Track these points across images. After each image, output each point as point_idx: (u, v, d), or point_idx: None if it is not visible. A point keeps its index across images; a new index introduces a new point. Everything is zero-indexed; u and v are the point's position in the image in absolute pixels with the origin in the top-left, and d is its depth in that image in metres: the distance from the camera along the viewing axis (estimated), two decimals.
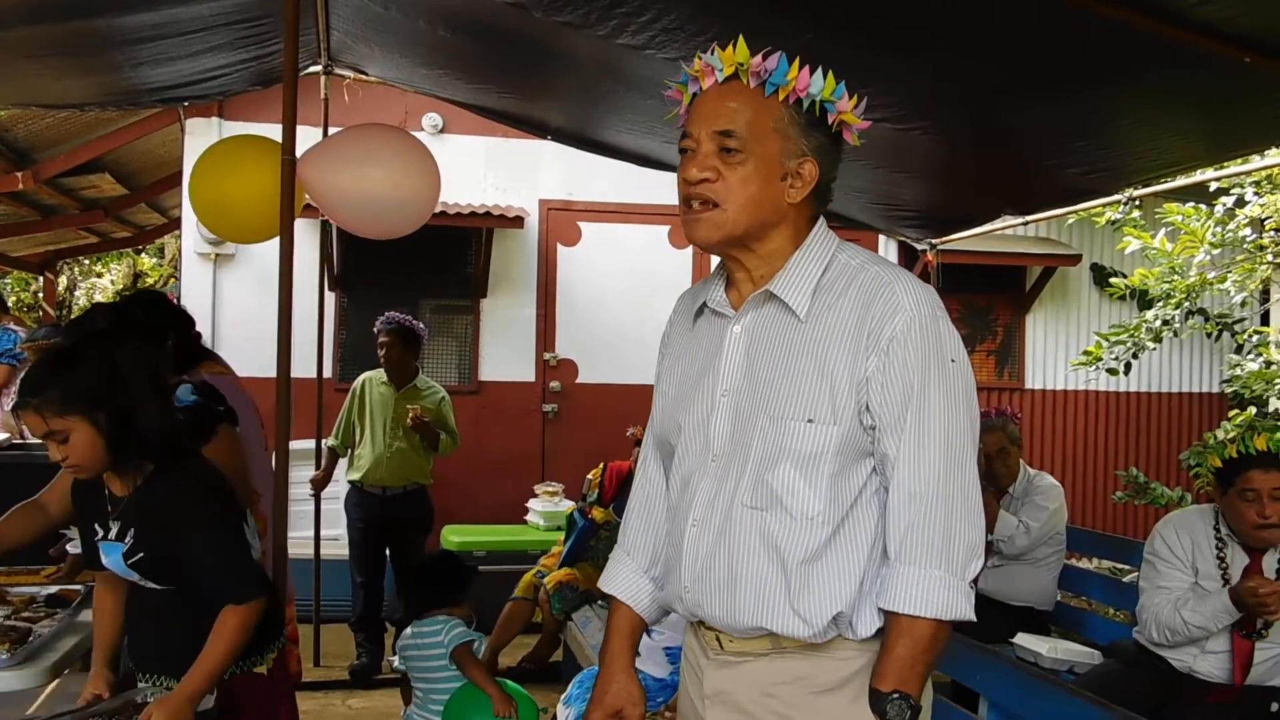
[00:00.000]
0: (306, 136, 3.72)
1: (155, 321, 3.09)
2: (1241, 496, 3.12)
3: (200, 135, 6.60)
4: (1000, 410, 4.57)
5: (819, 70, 1.61)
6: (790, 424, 1.58)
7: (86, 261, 15.34)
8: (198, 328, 3.26)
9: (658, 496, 1.85)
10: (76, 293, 15.74)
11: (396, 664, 3.51)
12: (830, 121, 1.63)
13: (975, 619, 1.60)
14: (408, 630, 3.55)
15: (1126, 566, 5.54)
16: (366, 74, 4.98)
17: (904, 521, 1.57)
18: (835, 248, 1.68)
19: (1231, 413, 6.50)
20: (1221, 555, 3.22)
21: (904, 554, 1.57)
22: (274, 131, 3.10)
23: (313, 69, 4.80)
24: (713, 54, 1.63)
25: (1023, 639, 3.85)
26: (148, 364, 2.26)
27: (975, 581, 1.60)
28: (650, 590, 1.84)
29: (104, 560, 2.35)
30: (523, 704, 3.49)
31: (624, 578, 1.86)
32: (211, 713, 2.26)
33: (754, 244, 1.66)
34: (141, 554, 2.26)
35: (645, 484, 1.88)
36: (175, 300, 3.83)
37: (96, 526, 2.34)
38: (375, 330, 5.41)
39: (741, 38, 1.62)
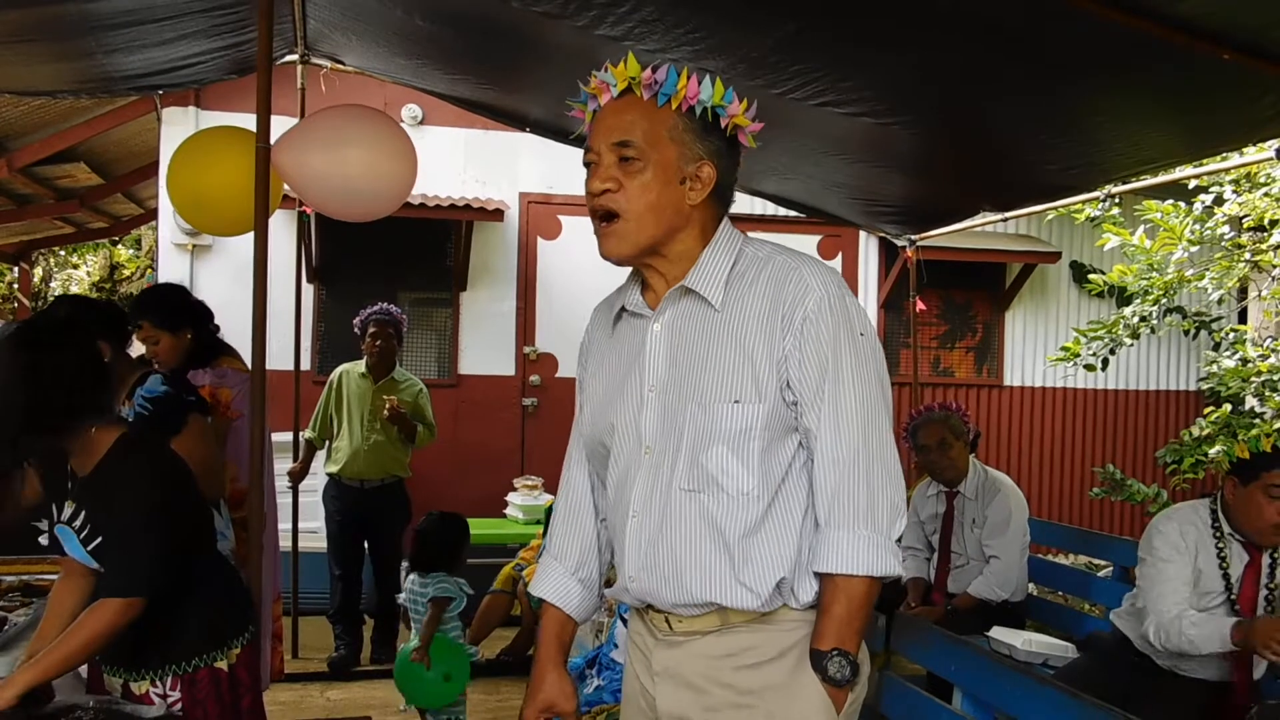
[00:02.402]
0: (283, 127, 3.68)
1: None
2: (1266, 492, 3.10)
3: (177, 125, 6.53)
4: (945, 405, 4.54)
5: (707, 78, 1.71)
6: (718, 406, 1.68)
7: (62, 252, 15.19)
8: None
9: (580, 500, 1.94)
10: (52, 284, 15.58)
11: (402, 600, 4.01)
12: (724, 125, 1.73)
13: (902, 574, 1.68)
14: (413, 577, 3.96)
15: (1102, 561, 5.58)
16: (344, 64, 4.93)
17: (829, 487, 1.68)
18: (742, 242, 1.79)
19: (1207, 409, 6.53)
20: (1222, 553, 3.20)
21: (832, 518, 1.67)
22: (251, 121, 3.06)
23: (289, 58, 4.75)
24: (606, 71, 1.74)
25: (997, 632, 3.86)
26: (82, 363, 2.23)
27: (900, 540, 1.71)
28: (578, 592, 1.92)
29: (65, 546, 2.30)
30: (459, 663, 3.85)
31: (552, 581, 1.93)
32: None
33: (664, 249, 1.76)
34: (100, 539, 2.21)
35: (567, 488, 1.96)
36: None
37: (54, 508, 2.30)
38: (362, 321, 5.37)
39: (631, 55, 1.73)
